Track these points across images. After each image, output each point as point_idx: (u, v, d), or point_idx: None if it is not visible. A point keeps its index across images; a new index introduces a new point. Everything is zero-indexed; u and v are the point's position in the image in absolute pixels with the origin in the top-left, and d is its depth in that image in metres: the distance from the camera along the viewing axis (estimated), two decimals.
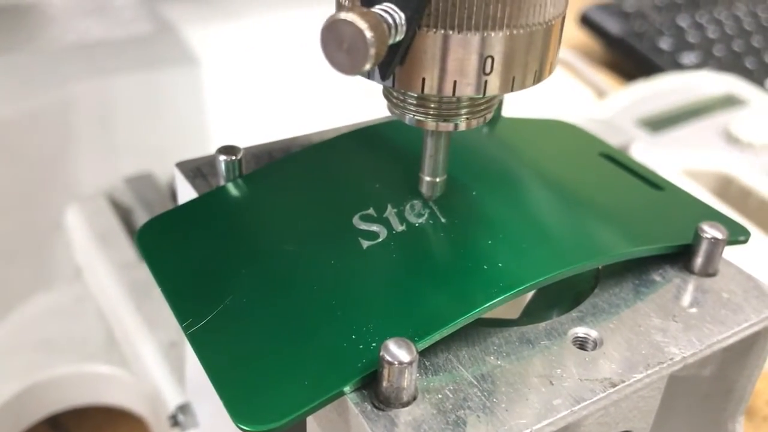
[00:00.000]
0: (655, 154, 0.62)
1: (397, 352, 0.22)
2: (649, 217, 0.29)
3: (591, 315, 0.26)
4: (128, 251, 0.52)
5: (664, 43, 0.80)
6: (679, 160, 0.63)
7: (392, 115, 0.26)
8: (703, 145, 0.64)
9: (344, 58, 0.20)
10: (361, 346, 0.23)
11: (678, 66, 0.77)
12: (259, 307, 0.25)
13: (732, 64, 0.78)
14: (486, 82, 0.23)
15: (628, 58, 0.81)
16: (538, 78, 0.24)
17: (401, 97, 0.25)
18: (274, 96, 0.60)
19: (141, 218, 0.55)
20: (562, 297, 0.28)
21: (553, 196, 0.29)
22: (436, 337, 0.23)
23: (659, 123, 0.67)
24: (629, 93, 0.70)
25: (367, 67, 0.20)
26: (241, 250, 0.27)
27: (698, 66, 0.77)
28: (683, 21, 0.83)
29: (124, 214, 0.55)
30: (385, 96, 0.26)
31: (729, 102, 0.69)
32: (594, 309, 0.26)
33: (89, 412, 0.51)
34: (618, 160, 0.33)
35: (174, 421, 0.40)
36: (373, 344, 0.23)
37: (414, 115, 0.25)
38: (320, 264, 0.26)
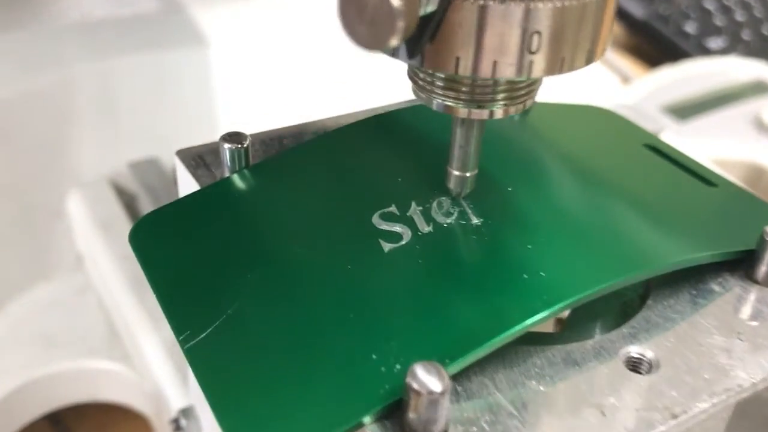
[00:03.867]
0: (682, 143, 0.58)
1: (427, 379, 0.18)
2: (706, 219, 0.26)
3: (644, 331, 0.22)
4: None
5: (690, 27, 0.76)
6: (707, 149, 0.59)
7: (417, 99, 0.23)
8: (733, 134, 0.60)
9: (366, 31, 0.17)
10: (383, 369, 0.20)
11: (704, 50, 0.73)
12: (266, 319, 0.21)
13: (761, 49, 0.73)
14: (531, 62, 0.19)
15: (653, 43, 0.77)
16: (590, 58, 0.20)
17: (429, 79, 0.22)
18: (286, 79, 0.57)
19: (145, 205, 0.51)
20: (606, 307, 0.24)
21: (597, 194, 0.26)
22: (470, 359, 0.20)
23: (686, 110, 0.63)
24: (655, 79, 0.66)
25: (394, 42, 0.17)
26: (246, 251, 0.23)
27: (725, 50, 0.73)
28: (710, 4, 0.79)
29: (127, 201, 0.52)
30: (410, 77, 0.23)
31: (759, 89, 0.65)
32: (647, 324, 0.23)
33: (90, 409, 0.47)
34: (664, 152, 0.29)
35: (176, 425, 0.37)
36: (397, 366, 0.20)
37: (443, 100, 0.22)
38: (335, 270, 0.22)
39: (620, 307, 0.24)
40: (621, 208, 0.25)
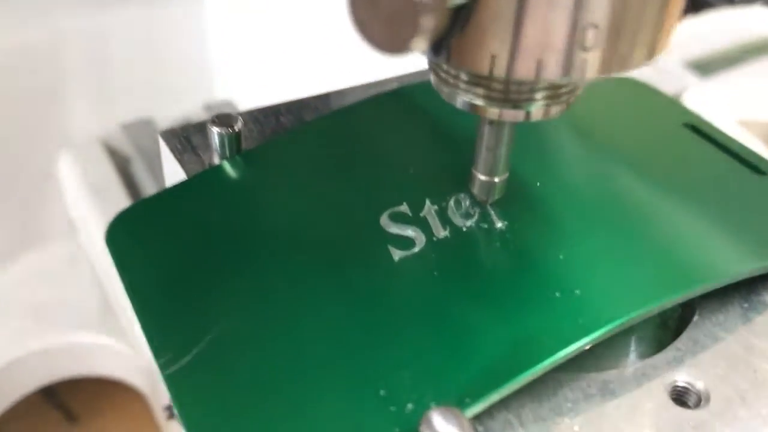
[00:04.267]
0: (705, 102, 0.55)
1: (444, 428, 0.15)
2: (758, 218, 0.22)
3: (691, 355, 0.19)
4: (124, 205, 0.46)
5: None
6: (732, 108, 0.55)
7: (441, 93, 0.19)
8: (759, 91, 0.57)
9: (382, 30, 0.13)
10: (392, 408, 0.17)
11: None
12: (256, 342, 0.18)
13: None
14: (584, 61, 0.15)
15: None
16: (650, 55, 0.17)
17: (453, 72, 0.18)
18: (287, 33, 0.53)
19: (139, 168, 0.48)
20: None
21: (637, 191, 0.22)
22: (494, 398, 0.17)
23: (710, 65, 0.59)
24: (676, 32, 0.62)
25: (418, 44, 0.13)
26: (236, 257, 0.20)
27: None
28: None
29: (120, 163, 0.49)
30: (431, 68, 0.19)
31: None
32: (694, 346, 0.19)
33: (85, 382, 0.45)
34: (705, 133, 0.26)
35: (170, 413, 0.35)
36: (409, 404, 0.17)
37: (470, 99, 0.18)
38: (337, 282, 0.19)
39: (659, 317, 0.21)
40: (665, 208, 0.22)
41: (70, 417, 0.47)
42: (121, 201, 0.46)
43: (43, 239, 0.47)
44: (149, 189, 0.47)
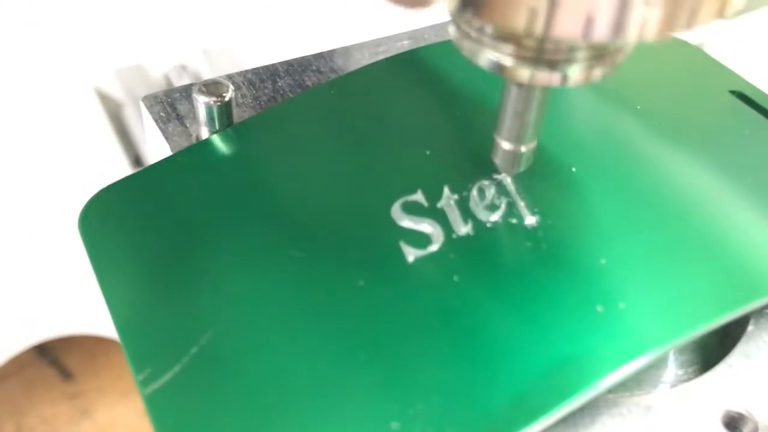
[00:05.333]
0: (729, 50, 0.51)
1: None
2: None
3: (744, 374, 0.16)
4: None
5: None
6: (758, 57, 0.51)
7: (461, 50, 0.16)
8: None
9: None
10: None
11: None
12: (247, 357, 0.16)
13: None
14: (645, 18, 0.12)
15: None
16: (721, 10, 0.13)
17: (476, 24, 0.15)
18: None
19: (131, 116, 0.45)
20: None
21: (690, 175, 0.19)
22: None
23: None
24: None
25: None
26: (226, 252, 0.17)
27: None
28: None
29: (112, 111, 0.45)
30: (452, 18, 0.16)
31: None
32: (748, 361, 0.17)
33: (80, 341, 0.43)
34: (753, 101, 0.23)
35: None
36: None
37: (496, 58, 0.15)
38: (341, 288, 0.16)
39: None
40: (722, 199, 0.18)
41: (65, 375, 0.45)
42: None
43: None
44: (141, 138, 0.44)
